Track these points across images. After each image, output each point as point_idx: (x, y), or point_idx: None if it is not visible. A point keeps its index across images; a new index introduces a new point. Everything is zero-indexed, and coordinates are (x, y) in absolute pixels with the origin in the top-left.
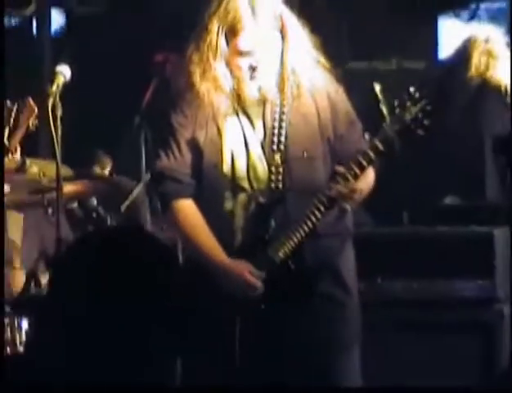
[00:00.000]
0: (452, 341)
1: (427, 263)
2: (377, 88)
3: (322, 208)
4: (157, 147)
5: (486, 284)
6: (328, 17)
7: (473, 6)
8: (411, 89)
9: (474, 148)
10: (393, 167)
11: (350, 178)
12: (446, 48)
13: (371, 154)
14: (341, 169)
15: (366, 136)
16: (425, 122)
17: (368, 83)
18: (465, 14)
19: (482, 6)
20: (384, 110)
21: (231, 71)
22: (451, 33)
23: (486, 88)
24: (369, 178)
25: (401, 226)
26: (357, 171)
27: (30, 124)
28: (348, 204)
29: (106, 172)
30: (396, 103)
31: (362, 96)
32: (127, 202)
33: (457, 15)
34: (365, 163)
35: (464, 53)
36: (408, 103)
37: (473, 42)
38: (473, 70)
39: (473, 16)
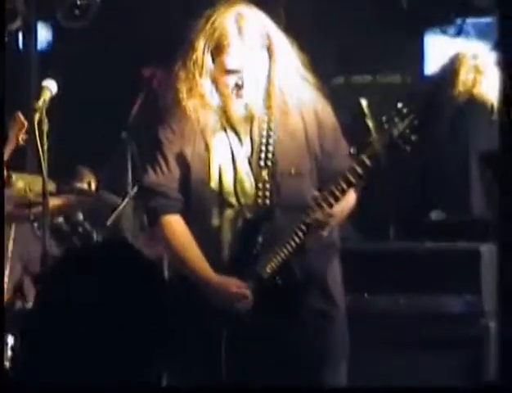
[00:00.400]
0: (439, 356)
1: (413, 278)
2: (363, 102)
3: (304, 230)
4: (144, 162)
5: (472, 299)
6: (314, 32)
7: (459, 21)
8: (399, 105)
9: (460, 163)
10: (379, 182)
11: (329, 201)
12: (433, 63)
13: (359, 169)
14: (317, 194)
15: (352, 150)
16: (412, 138)
17: (354, 98)
18: (452, 29)
19: (469, 21)
20: (371, 124)
21: (218, 88)
22: (437, 49)
23: (472, 103)
24: (350, 198)
25: (388, 241)
26: (344, 187)
27: (20, 139)
28: (324, 230)
29: (90, 186)
30: (384, 119)
31: (348, 111)
32: (113, 217)
33: (443, 31)
34: (352, 179)
35: (451, 69)
36: (396, 119)
37: (461, 59)
38: (460, 86)
39: (459, 32)
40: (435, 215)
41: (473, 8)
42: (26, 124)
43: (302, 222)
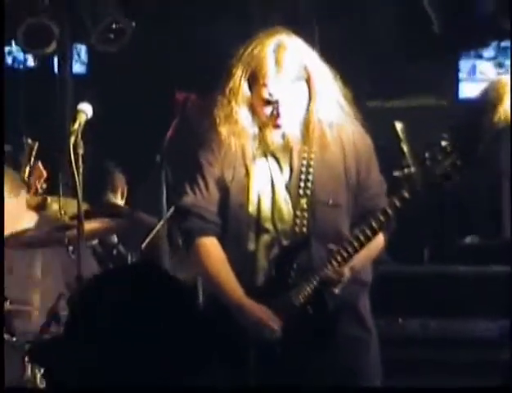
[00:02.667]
0: (471, 381)
1: (446, 302)
2: (398, 126)
3: (338, 260)
4: (182, 184)
5: (505, 324)
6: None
7: (494, 45)
8: (443, 142)
9: (494, 188)
10: (414, 206)
11: (367, 234)
12: (468, 87)
13: (398, 204)
14: (334, 247)
15: (397, 173)
16: (455, 177)
17: (389, 122)
18: (487, 52)
19: (503, 45)
20: (405, 148)
21: (255, 116)
22: (472, 72)
23: (507, 129)
24: (375, 244)
25: (422, 264)
26: (383, 220)
27: (39, 188)
28: (336, 288)
29: (121, 200)
30: (426, 155)
31: (384, 135)
32: (147, 240)
33: (479, 54)
34: (391, 212)
35: (493, 95)
36: (439, 156)
37: (504, 85)
38: (501, 114)
39: (494, 56)
40: (469, 239)
41: (508, 32)
42: (45, 173)
43: (338, 252)
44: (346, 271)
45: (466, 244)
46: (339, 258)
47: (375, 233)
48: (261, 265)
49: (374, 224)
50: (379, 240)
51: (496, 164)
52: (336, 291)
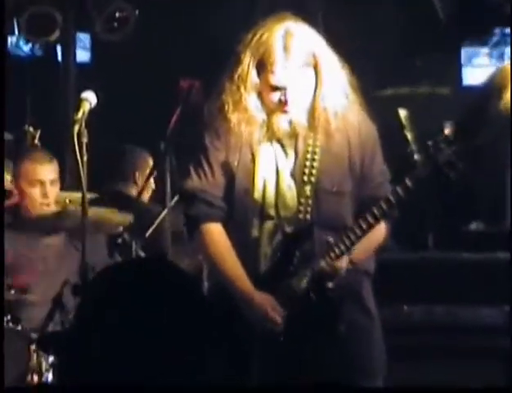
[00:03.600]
0: (476, 367)
1: (451, 288)
2: (402, 113)
3: (346, 247)
4: (186, 170)
5: (510, 310)
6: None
7: (497, 32)
8: (446, 130)
9: (500, 175)
10: (418, 192)
11: (369, 222)
12: (472, 75)
13: (401, 192)
14: (332, 239)
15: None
16: (458, 165)
17: (393, 109)
18: (490, 41)
19: (506, 32)
20: (409, 136)
21: (263, 102)
22: (476, 60)
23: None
24: (376, 235)
25: (426, 251)
26: (385, 209)
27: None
28: (330, 282)
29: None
30: (430, 143)
31: (388, 122)
32: (152, 228)
33: (482, 42)
34: (394, 200)
35: (498, 83)
36: (442, 145)
37: (508, 72)
38: (506, 100)
39: (497, 43)
40: (473, 225)
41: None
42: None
43: (341, 240)
44: (343, 264)
45: (470, 230)
46: (336, 250)
47: (376, 221)
48: (264, 252)
49: (376, 212)
50: (381, 230)
51: (504, 151)
52: (330, 285)
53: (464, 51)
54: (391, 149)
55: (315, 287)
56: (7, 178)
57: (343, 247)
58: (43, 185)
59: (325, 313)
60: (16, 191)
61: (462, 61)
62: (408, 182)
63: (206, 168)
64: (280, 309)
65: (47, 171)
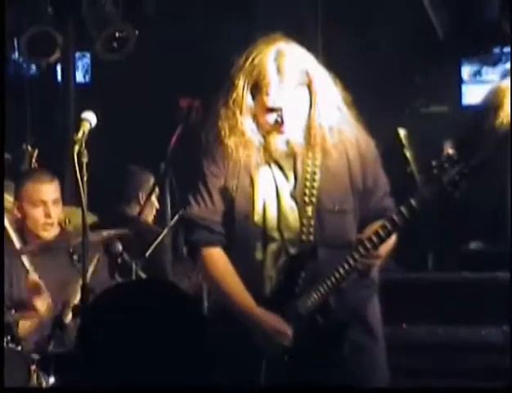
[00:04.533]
0: (477, 387)
1: (451, 308)
2: (401, 133)
3: (351, 267)
4: (186, 193)
5: (510, 330)
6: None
7: (497, 51)
8: (450, 151)
9: (499, 194)
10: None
11: (375, 243)
12: (471, 94)
13: (406, 213)
14: (362, 236)
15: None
16: (462, 185)
17: (393, 129)
18: (489, 59)
19: (506, 50)
20: (409, 155)
21: (259, 125)
22: (475, 79)
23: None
24: (391, 238)
25: (426, 271)
26: (390, 230)
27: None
28: (370, 272)
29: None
30: (434, 163)
31: (387, 142)
32: (151, 248)
33: (481, 61)
34: (398, 221)
35: (494, 101)
36: (446, 165)
37: (504, 90)
38: (502, 118)
39: (497, 61)
40: (474, 245)
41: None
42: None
43: (345, 261)
44: (380, 253)
45: (470, 250)
46: (369, 244)
47: (381, 242)
48: (268, 274)
49: (381, 232)
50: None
51: (503, 169)
52: (371, 275)
53: (465, 70)
54: (390, 168)
55: (320, 309)
56: (8, 198)
57: (377, 241)
58: (46, 205)
59: (330, 335)
60: (19, 213)
61: (461, 79)
62: (413, 202)
63: (205, 195)
64: (287, 326)
65: (49, 191)
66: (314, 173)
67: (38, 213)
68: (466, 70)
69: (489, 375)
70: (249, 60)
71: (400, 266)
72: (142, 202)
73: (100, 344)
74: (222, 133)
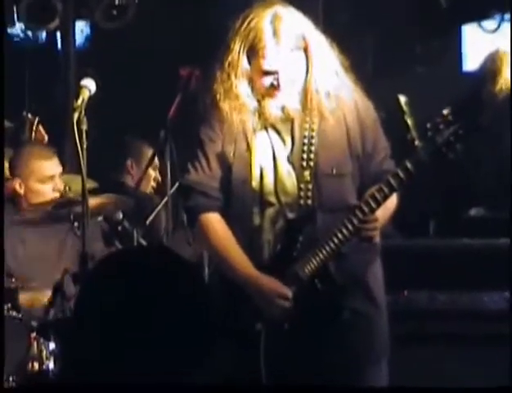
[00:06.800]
0: (478, 353)
1: (453, 275)
2: (402, 99)
3: (349, 231)
4: (185, 161)
5: (511, 296)
6: (352, 30)
7: (497, 16)
8: (445, 111)
9: (500, 160)
10: (419, 178)
11: (372, 206)
12: (471, 59)
13: (402, 175)
14: (357, 203)
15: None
16: (457, 146)
17: (393, 95)
18: (490, 24)
19: (507, 16)
20: (409, 122)
21: (254, 89)
22: (475, 44)
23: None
24: (390, 203)
25: (428, 237)
26: (386, 193)
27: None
28: (374, 237)
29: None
30: (428, 125)
31: (387, 108)
32: (152, 216)
33: (482, 26)
34: (395, 184)
35: (493, 66)
36: (441, 126)
37: (502, 56)
38: (502, 84)
39: (497, 27)
40: (474, 212)
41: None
42: (46, 137)
43: (343, 225)
44: (377, 217)
45: (471, 216)
46: (366, 208)
47: (377, 205)
48: (266, 239)
49: (377, 196)
50: (393, 201)
51: (504, 135)
52: (376, 239)
53: (465, 36)
54: (391, 135)
55: (319, 274)
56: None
57: (374, 205)
58: (53, 180)
59: (329, 300)
60: (20, 189)
61: (462, 46)
62: (409, 164)
63: (202, 160)
64: (287, 290)
65: (55, 165)
66: (311, 137)
67: (46, 188)
68: (466, 37)
69: (491, 341)
70: (246, 23)
71: (401, 232)
72: (132, 171)
73: (99, 311)
74: (217, 96)
